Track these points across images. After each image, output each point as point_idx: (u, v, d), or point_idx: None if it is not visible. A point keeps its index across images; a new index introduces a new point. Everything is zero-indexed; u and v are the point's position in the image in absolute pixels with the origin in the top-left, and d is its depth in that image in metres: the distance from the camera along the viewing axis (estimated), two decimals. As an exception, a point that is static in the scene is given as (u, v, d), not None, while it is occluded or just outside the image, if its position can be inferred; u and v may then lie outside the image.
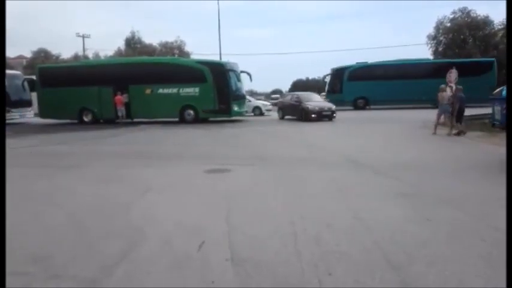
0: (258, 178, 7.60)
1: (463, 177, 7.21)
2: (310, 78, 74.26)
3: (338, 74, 22.20)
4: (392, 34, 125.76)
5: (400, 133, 15.13)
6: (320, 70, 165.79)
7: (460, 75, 28.27)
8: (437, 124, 14.18)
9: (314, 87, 56.63)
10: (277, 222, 4.85)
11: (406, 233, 4.37)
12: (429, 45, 42.63)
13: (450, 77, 16.96)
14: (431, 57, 43.15)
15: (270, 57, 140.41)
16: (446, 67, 24.52)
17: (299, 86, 65.70)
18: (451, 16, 41.83)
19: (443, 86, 15.39)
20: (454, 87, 16.66)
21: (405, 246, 3.97)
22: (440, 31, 42.05)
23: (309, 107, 20.80)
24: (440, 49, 41.90)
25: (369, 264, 3.60)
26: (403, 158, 9.57)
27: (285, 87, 75.11)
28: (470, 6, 43.11)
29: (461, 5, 44.70)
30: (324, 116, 20.68)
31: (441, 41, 42.16)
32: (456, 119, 13.73)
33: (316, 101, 22.27)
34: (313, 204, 5.63)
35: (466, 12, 41.41)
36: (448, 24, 41.75)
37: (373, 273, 3.41)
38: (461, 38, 40.55)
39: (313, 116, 20.35)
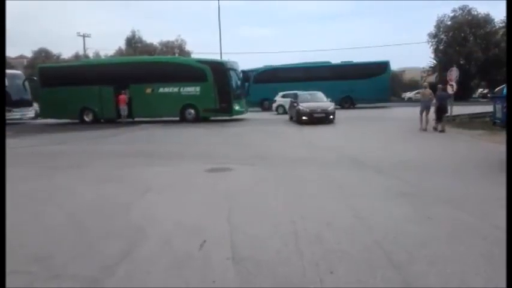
0: (258, 177, 7.60)
1: (463, 176, 7.20)
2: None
3: (246, 76, 22.78)
4: (393, 33, 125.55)
5: (392, 131, 15.24)
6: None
7: (357, 77, 29.00)
8: (422, 120, 14.94)
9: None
10: (278, 221, 4.85)
11: (406, 232, 4.37)
12: (430, 44, 42.55)
13: (451, 75, 16.93)
14: (432, 55, 43.16)
15: (272, 55, 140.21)
16: (345, 70, 25.23)
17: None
18: (452, 14, 41.73)
19: (425, 83, 16.68)
20: (454, 86, 16.64)
21: (406, 245, 3.97)
22: (441, 29, 41.95)
23: (301, 108, 18.52)
24: (441, 47, 41.81)
25: (370, 263, 3.60)
26: (401, 156, 9.57)
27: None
28: (470, 5, 42.76)
29: (462, 3, 44.48)
30: (315, 118, 18.01)
31: (442, 39, 42.05)
32: (436, 117, 14.53)
33: (316, 101, 19.32)
34: (314, 203, 5.63)
35: (466, 10, 41.30)
36: (449, 23, 41.63)
37: (375, 272, 3.41)
38: (462, 36, 40.42)
39: (303, 118, 18.13)
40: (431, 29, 42.44)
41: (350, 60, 32.88)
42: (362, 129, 16.15)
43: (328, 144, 12.05)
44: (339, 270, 3.47)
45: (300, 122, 18.14)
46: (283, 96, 27.44)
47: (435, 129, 14.41)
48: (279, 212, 5.24)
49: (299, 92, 22.19)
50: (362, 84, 29.93)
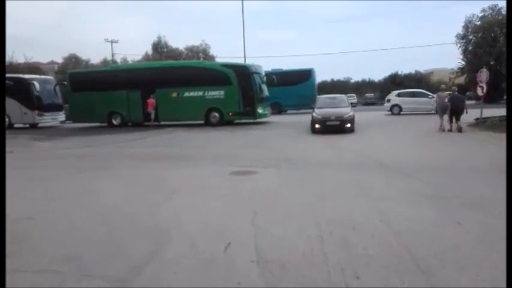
0: (283, 180, 7.59)
1: (490, 179, 6.99)
2: (335, 79, 73.47)
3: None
4: (419, 34, 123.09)
5: (412, 133, 14.99)
6: (346, 71, 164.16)
7: (283, 84, 28.11)
8: (442, 121, 15.26)
9: (340, 89, 56.13)
10: (303, 224, 4.83)
11: (435, 236, 4.28)
12: (458, 45, 41.48)
13: (481, 76, 16.50)
14: (460, 56, 42.02)
15: (295, 58, 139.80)
16: (274, 77, 24.50)
17: (324, 88, 65.13)
18: (481, 14, 40.58)
19: (443, 86, 17.40)
20: (484, 88, 16.22)
21: (434, 250, 3.89)
22: (470, 30, 40.84)
23: (314, 115, 16.09)
24: (470, 48, 40.71)
25: (397, 268, 3.54)
26: (425, 159, 9.35)
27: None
28: (500, 4, 41.35)
29: (491, 3, 43.14)
30: (329, 127, 15.44)
31: (471, 40, 40.93)
32: (450, 117, 14.95)
33: (333, 106, 16.81)
34: (339, 206, 5.58)
35: (496, 10, 40.09)
36: (478, 23, 40.51)
37: (402, 278, 3.35)
38: (492, 37, 39.24)
39: (316, 126, 15.69)
40: (459, 29, 41.42)
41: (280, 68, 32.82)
42: (382, 132, 15.90)
43: (352, 147, 11.90)
44: (365, 275, 3.43)
45: (313, 131, 15.79)
46: (399, 95, 26.44)
47: (449, 130, 14.81)
48: (304, 215, 5.22)
49: (319, 96, 20.82)
50: (289, 91, 30.24)
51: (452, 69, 47.68)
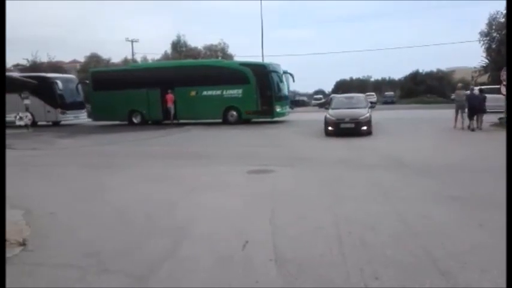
0: (300, 179, 7.57)
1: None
2: (354, 78, 72.74)
3: None
4: (441, 32, 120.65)
5: (428, 132, 14.93)
6: (365, 69, 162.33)
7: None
8: (457, 119, 15.55)
9: (359, 88, 55.54)
10: (321, 224, 4.81)
11: (456, 238, 4.20)
12: (482, 43, 40.46)
13: (504, 75, 16.12)
14: (484, 54, 41.03)
15: (313, 57, 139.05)
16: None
17: (343, 86, 64.53)
18: (505, 11, 39.56)
19: (460, 84, 17.37)
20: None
21: (455, 252, 3.81)
22: (494, 27, 39.81)
23: (327, 116, 14.75)
24: (493, 46, 39.68)
25: (417, 269, 3.49)
26: (444, 158, 9.17)
27: (328, 87, 74.14)
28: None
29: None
30: (342, 129, 14.07)
31: (494, 37, 39.88)
32: (469, 116, 15.09)
33: (349, 107, 15.40)
34: (357, 206, 5.53)
35: (522, 6, 39.04)
36: (502, 20, 39.45)
37: (422, 280, 3.30)
38: (517, 34, 38.23)
39: (329, 129, 14.42)
40: (483, 27, 40.39)
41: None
42: (398, 131, 15.67)
43: (370, 145, 11.77)
44: (384, 276, 3.39)
45: (326, 134, 14.52)
46: None
47: (468, 127, 14.96)
48: (322, 214, 5.19)
49: (334, 95, 19.60)
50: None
51: (475, 67, 46.59)
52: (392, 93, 53.38)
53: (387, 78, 69.69)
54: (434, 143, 12.41)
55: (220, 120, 21.31)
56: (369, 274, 3.42)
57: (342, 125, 14.15)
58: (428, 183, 6.87)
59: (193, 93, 21.52)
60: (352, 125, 14.07)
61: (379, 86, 65.38)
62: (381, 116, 21.58)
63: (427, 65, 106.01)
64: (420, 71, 54.86)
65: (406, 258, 3.73)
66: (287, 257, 3.85)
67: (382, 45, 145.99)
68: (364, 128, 14.13)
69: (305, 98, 55.63)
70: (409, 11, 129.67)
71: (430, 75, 53.88)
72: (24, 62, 43.44)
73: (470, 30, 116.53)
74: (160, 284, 3.45)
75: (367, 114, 14.50)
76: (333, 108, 15.48)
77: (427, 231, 4.46)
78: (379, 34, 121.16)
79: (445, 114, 21.88)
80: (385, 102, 47.77)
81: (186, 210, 5.68)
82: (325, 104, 18.27)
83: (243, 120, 21.08)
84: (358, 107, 15.39)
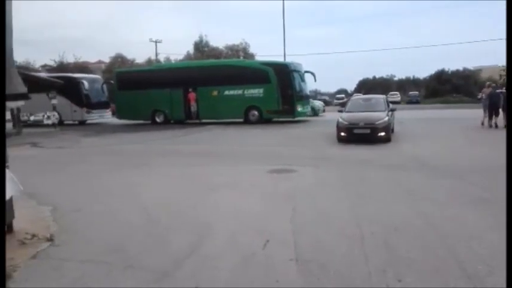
0: (322, 179, 7.52)
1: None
2: (377, 77, 71.71)
3: None
4: (462, 30, 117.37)
5: (455, 131, 14.61)
6: (388, 69, 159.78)
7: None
8: (485, 117, 16.00)
9: (382, 87, 54.71)
10: (343, 224, 4.77)
11: (482, 241, 4.09)
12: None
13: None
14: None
15: (335, 56, 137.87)
16: None
17: (365, 85, 63.71)
18: (505, 11, 38.19)
19: (488, 83, 17.56)
20: None
21: (482, 255, 3.71)
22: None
23: (339, 120, 13.07)
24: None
25: (441, 272, 3.41)
26: (472, 158, 8.93)
27: (351, 86, 73.31)
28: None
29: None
30: (356, 135, 12.42)
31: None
32: (489, 114, 15.63)
33: (366, 110, 13.54)
34: (380, 207, 5.45)
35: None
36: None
37: (447, 283, 3.23)
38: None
39: (341, 134, 12.73)
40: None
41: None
42: (423, 129, 15.35)
43: (393, 145, 11.58)
44: (407, 278, 3.33)
45: (339, 140, 12.84)
46: None
47: (490, 126, 15.48)
48: (344, 215, 5.15)
49: (352, 97, 18.12)
50: None
51: (503, 65, 45.22)
52: (417, 92, 52.26)
53: (411, 77, 68.42)
54: (462, 142, 12.12)
55: (241, 120, 21.37)
56: (392, 276, 3.37)
57: (356, 131, 12.48)
58: (454, 184, 6.72)
59: (215, 93, 21.66)
60: (368, 131, 12.34)
61: (403, 85, 64.22)
62: (409, 115, 21.22)
63: (453, 63, 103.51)
64: (446, 69, 53.57)
65: (430, 260, 3.65)
66: (308, 256, 3.84)
67: (403, 43, 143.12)
68: (382, 134, 12.30)
69: (327, 97, 55.12)
70: (435, 9, 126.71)
71: (456, 74, 52.50)
72: (52, 63, 44.76)
73: (489, 28, 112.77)
74: (184, 280, 3.49)
75: (386, 119, 12.59)
76: (347, 111, 13.85)
77: (453, 233, 4.35)
78: (400, 33, 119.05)
79: (474, 114, 21.39)
80: (410, 102, 46.80)
81: (207, 208, 5.73)
82: (343, 105, 16.76)
83: (264, 120, 21.07)
84: (376, 110, 13.50)
